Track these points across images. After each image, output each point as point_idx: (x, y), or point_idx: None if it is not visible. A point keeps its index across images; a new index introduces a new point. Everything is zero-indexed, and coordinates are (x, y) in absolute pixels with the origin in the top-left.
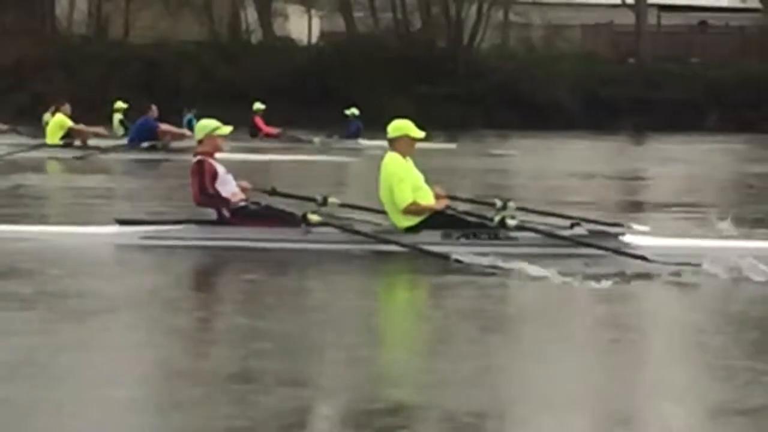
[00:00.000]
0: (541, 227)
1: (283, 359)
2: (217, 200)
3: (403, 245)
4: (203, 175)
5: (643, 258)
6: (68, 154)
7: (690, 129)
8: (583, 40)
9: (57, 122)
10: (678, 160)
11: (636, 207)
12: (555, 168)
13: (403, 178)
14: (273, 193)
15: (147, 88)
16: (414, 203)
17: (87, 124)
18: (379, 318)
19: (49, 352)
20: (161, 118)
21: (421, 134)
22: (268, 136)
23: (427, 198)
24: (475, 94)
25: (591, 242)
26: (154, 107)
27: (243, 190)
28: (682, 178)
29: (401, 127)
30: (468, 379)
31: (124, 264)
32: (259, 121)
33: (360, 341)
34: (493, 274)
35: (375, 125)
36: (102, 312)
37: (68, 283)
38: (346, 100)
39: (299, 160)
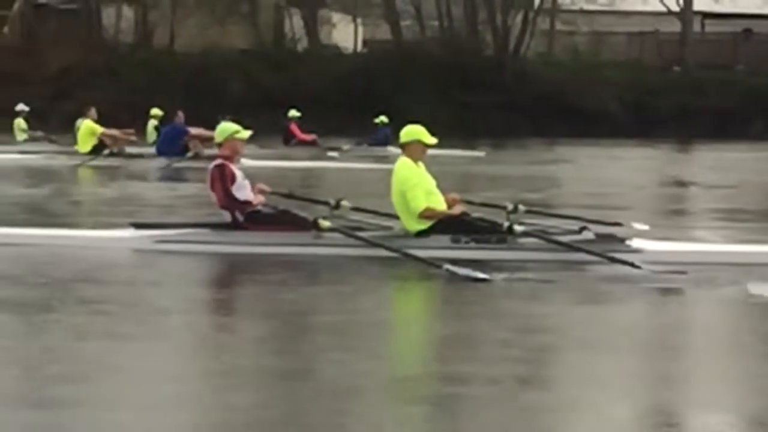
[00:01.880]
0: (543, 234)
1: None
2: (240, 203)
3: (394, 251)
4: (225, 179)
5: (632, 265)
6: (94, 161)
7: (735, 137)
8: (628, 48)
9: (85, 129)
10: (723, 168)
11: (678, 214)
12: (599, 175)
13: (416, 183)
14: (290, 196)
15: (193, 96)
16: (429, 209)
17: (134, 132)
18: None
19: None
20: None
21: (433, 140)
22: (303, 142)
23: (439, 203)
24: (520, 102)
25: (584, 248)
26: (180, 113)
27: (262, 192)
28: (727, 185)
29: (413, 132)
30: None
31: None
32: (294, 128)
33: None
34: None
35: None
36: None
37: (85, 287)
38: (392, 107)
39: (327, 167)
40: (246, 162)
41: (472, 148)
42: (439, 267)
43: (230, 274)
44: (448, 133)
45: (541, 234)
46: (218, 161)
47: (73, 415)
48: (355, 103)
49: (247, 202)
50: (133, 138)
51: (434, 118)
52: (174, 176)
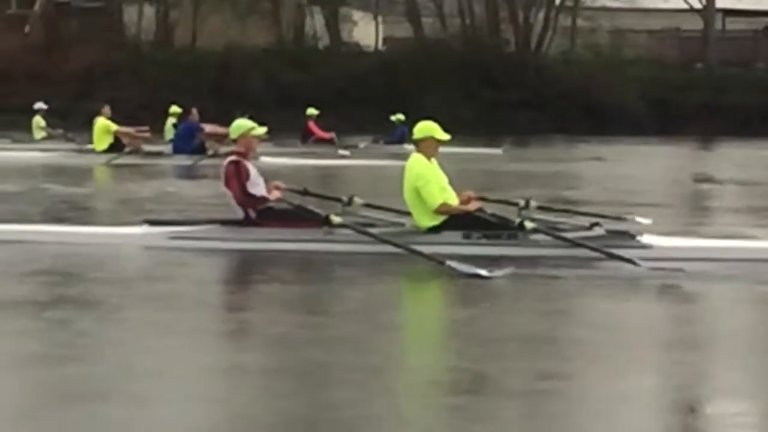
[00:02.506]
0: (553, 230)
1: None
2: (256, 199)
3: (400, 247)
4: (241, 176)
5: (631, 262)
6: (120, 159)
7: (758, 134)
8: (649, 45)
9: (100, 127)
10: (748, 166)
11: (703, 211)
12: (622, 172)
13: (429, 179)
14: (305, 193)
15: (215, 94)
16: (445, 204)
17: (148, 129)
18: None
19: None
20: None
21: (446, 136)
22: (321, 140)
23: (452, 200)
24: (543, 100)
25: (587, 244)
26: (194, 111)
27: (277, 189)
28: (750, 183)
29: (426, 128)
30: None
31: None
32: (312, 126)
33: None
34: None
35: (443, 130)
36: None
37: (100, 285)
38: (413, 105)
39: (343, 164)
40: (264, 159)
41: (495, 145)
42: (442, 263)
43: (251, 271)
44: (470, 130)
45: (548, 230)
46: (233, 157)
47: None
48: (377, 100)
49: (264, 198)
50: (147, 135)
51: (456, 115)
52: (196, 174)
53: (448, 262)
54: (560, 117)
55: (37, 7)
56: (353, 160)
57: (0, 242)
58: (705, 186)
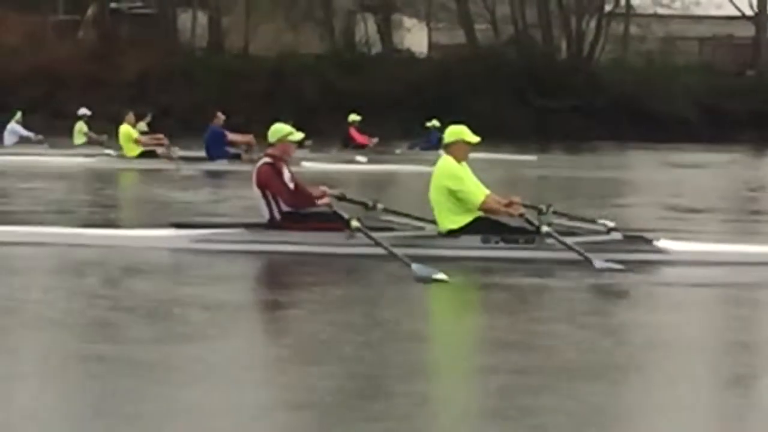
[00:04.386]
0: (567, 234)
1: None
2: (307, 199)
3: (394, 256)
4: (281, 176)
5: (588, 261)
6: (143, 165)
7: None
8: (701, 52)
9: (123, 134)
10: None
11: (754, 218)
12: (670, 178)
13: (463, 178)
14: (342, 198)
15: (268, 100)
16: (490, 200)
17: (163, 137)
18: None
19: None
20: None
21: (476, 139)
22: (361, 146)
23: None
24: (595, 107)
25: (575, 248)
26: (220, 114)
27: (324, 195)
28: None
29: (457, 132)
30: None
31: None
32: (354, 132)
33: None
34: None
35: (495, 137)
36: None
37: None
38: (465, 111)
39: (378, 170)
40: (305, 165)
41: (546, 151)
42: (409, 266)
43: (289, 273)
44: (522, 137)
45: (557, 235)
46: (268, 159)
47: None
48: (429, 107)
49: (314, 199)
50: (165, 143)
51: (508, 122)
52: (228, 178)
53: (413, 265)
54: (612, 124)
55: (89, 13)
56: (388, 165)
57: (25, 244)
58: (757, 194)
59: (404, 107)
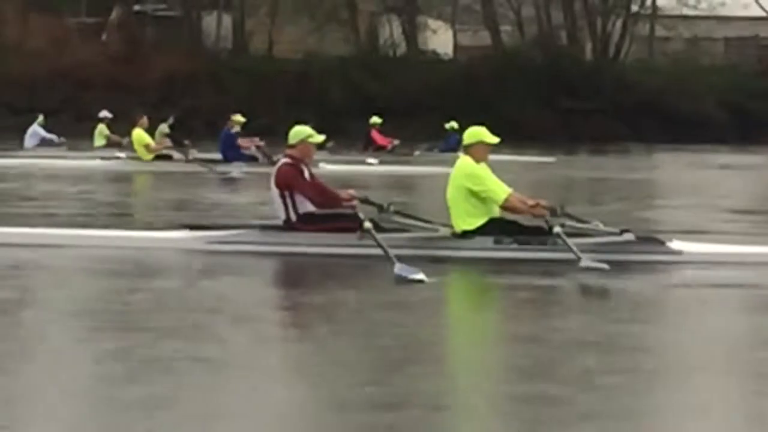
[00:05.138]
0: (576, 235)
1: None
2: (335, 199)
3: (386, 253)
4: (304, 175)
5: (577, 257)
6: (161, 167)
7: None
8: (726, 53)
9: (135, 139)
10: None
11: None
12: (695, 180)
13: (484, 177)
14: (364, 201)
15: (294, 102)
16: (513, 197)
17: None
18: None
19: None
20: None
21: (495, 140)
22: (381, 148)
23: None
24: (621, 108)
25: (571, 247)
26: (235, 117)
27: (352, 198)
28: None
29: (476, 133)
30: None
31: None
32: (375, 134)
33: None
34: None
35: (521, 139)
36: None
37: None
38: (491, 113)
39: (389, 171)
40: (324, 167)
41: (572, 153)
42: (393, 265)
43: (309, 275)
44: (548, 138)
45: (564, 236)
46: (288, 159)
47: None
48: (455, 109)
49: (340, 200)
50: (169, 145)
51: (534, 123)
52: (242, 180)
53: (396, 264)
54: (638, 125)
55: (113, 15)
56: (408, 167)
57: (36, 246)
58: None
59: (429, 109)
